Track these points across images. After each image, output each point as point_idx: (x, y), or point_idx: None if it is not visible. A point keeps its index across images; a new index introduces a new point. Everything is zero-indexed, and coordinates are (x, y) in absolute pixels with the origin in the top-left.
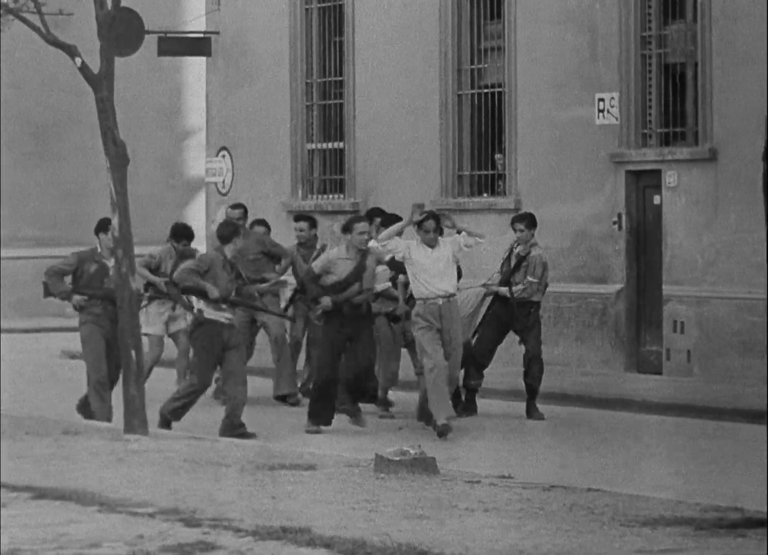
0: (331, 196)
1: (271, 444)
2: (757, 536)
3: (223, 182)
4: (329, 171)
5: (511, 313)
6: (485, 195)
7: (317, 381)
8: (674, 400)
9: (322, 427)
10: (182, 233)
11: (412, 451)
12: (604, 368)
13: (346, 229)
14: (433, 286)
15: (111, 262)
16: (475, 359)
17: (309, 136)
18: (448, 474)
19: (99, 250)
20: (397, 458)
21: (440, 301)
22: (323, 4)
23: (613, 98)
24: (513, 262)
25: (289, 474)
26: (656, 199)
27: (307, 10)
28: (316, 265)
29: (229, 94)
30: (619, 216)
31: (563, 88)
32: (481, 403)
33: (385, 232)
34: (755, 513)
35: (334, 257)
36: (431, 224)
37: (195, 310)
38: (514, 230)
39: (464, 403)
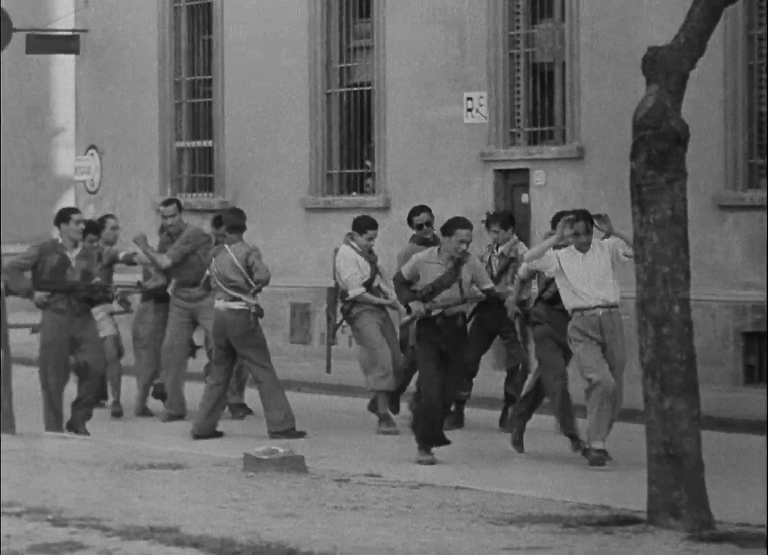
0: (199, 194)
1: (139, 443)
2: (624, 534)
3: (92, 181)
4: (198, 169)
5: (498, 319)
6: (354, 193)
7: (421, 401)
8: None
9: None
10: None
11: (280, 450)
12: None
13: (445, 231)
14: (591, 295)
15: (74, 253)
16: (466, 369)
17: (178, 134)
18: (317, 472)
19: (60, 240)
20: (266, 457)
21: (600, 312)
22: (192, 2)
23: (481, 97)
24: (497, 265)
25: (158, 473)
26: (524, 198)
27: (176, 8)
28: (405, 268)
29: (97, 92)
30: (488, 214)
31: (432, 87)
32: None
33: (535, 249)
34: (622, 510)
35: (423, 259)
36: (582, 226)
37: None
38: (489, 231)
39: (453, 415)
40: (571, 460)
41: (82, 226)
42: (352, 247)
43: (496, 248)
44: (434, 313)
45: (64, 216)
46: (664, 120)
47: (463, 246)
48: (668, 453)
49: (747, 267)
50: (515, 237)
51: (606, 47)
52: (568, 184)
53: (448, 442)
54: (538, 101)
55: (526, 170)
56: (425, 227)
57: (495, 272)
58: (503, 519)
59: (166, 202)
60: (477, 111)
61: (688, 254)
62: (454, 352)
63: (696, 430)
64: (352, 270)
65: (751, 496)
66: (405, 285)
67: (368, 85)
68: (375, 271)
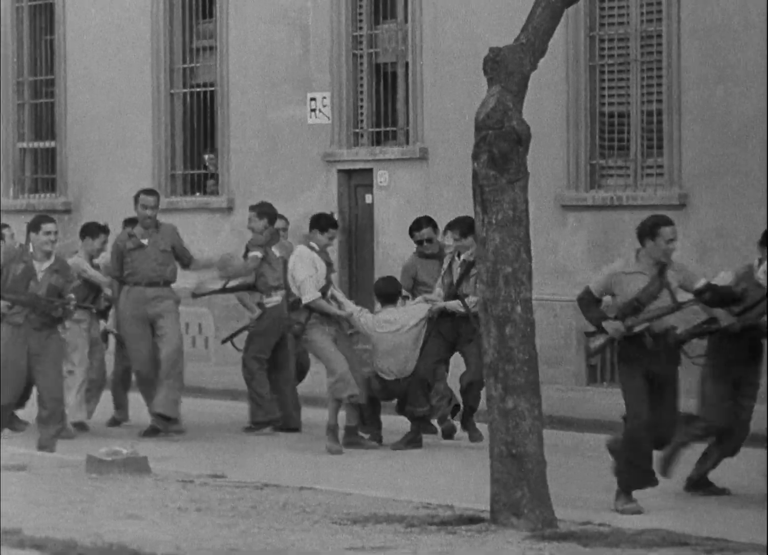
0: (42, 195)
1: None
2: (467, 533)
3: None
4: (41, 170)
5: (458, 331)
6: (198, 194)
7: (627, 435)
8: None
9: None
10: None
11: (124, 451)
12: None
13: (646, 233)
14: None
15: (43, 265)
16: (422, 383)
17: (20, 134)
18: (161, 473)
19: (30, 250)
20: (109, 458)
21: None
22: (34, 3)
23: (324, 98)
24: (457, 273)
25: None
26: (368, 198)
27: (18, 8)
28: (595, 284)
29: None
30: (331, 215)
31: (275, 88)
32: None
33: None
34: (465, 510)
35: (618, 271)
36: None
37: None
38: (451, 238)
39: (409, 434)
40: (418, 459)
41: (52, 237)
42: (311, 247)
43: (458, 256)
44: (637, 329)
45: (35, 225)
46: (505, 120)
47: (672, 246)
48: (510, 452)
49: (589, 267)
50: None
51: (448, 48)
52: (412, 184)
53: (656, 483)
54: (382, 102)
55: (370, 170)
56: (425, 244)
57: (455, 280)
58: (347, 519)
59: (148, 192)
60: (320, 111)
61: (530, 254)
62: (666, 375)
63: (538, 429)
64: (309, 272)
65: (594, 494)
66: (595, 303)
67: (212, 85)
68: (330, 276)
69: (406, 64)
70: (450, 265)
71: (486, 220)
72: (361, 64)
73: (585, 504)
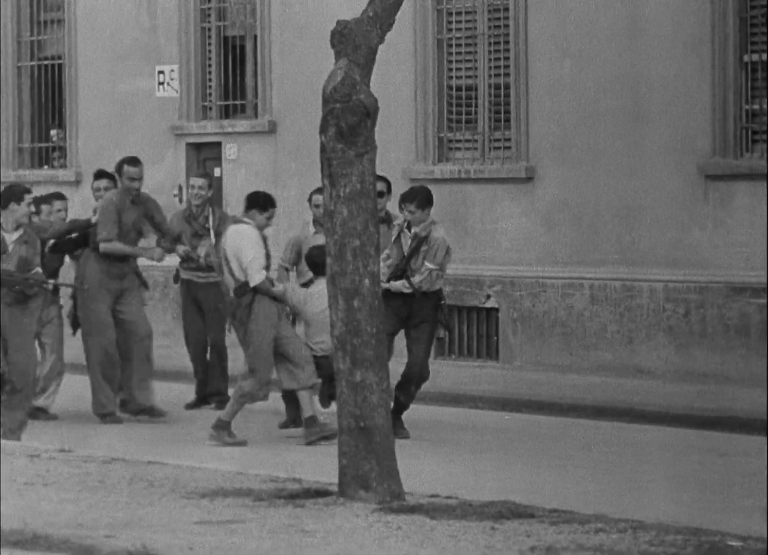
0: None
1: None
2: (315, 506)
3: None
4: None
5: (409, 309)
6: (46, 167)
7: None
8: None
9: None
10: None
11: None
12: None
13: None
14: None
15: (12, 236)
16: None
17: None
18: (8, 448)
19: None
20: None
21: None
22: None
23: (173, 71)
24: (407, 247)
25: None
26: (217, 172)
27: None
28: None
29: None
30: (180, 188)
31: (124, 60)
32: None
33: None
34: (314, 483)
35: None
36: None
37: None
38: (402, 210)
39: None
40: (265, 436)
41: (32, 208)
42: (252, 226)
43: (408, 228)
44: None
45: (16, 195)
46: (353, 93)
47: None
48: (359, 425)
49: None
50: (432, 218)
51: (296, 21)
52: (260, 157)
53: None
54: (230, 75)
55: (218, 144)
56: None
57: (405, 253)
58: (195, 493)
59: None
60: (168, 84)
61: (377, 228)
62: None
63: (386, 402)
64: (257, 250)
65: (441, 468)
66: None
67: (59, 58)
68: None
69: (255, 37)
70: (398, 239)
71: (333, 193)
72: (210, 37)
73: (432, 477)
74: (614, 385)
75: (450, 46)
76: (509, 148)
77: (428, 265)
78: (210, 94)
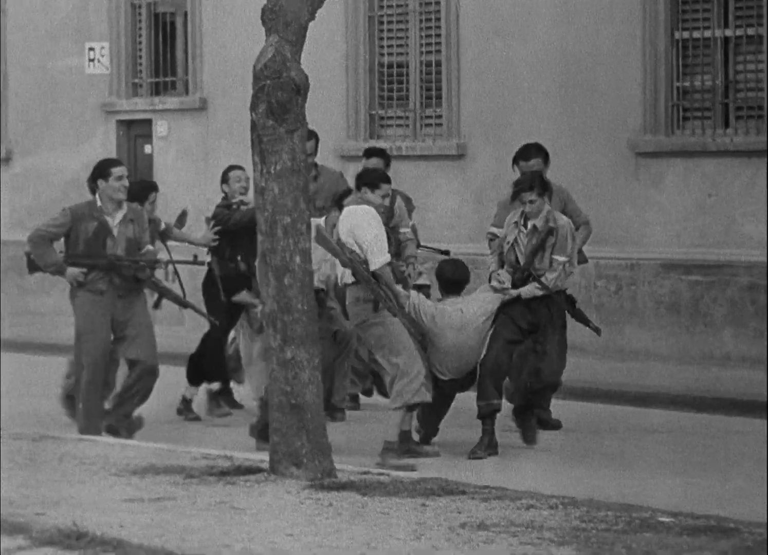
0: None
1: None
2: (246, 483)
3: None
4: None
5: (535, 313)
6: None
7: None
8: None
9: None
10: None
11: None
12: None
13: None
14: None
15: (115, 218)
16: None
17: None
18: None
19: (98, 203)
20: None
21: None
22: None
23: (103, 47)
24: (529, 244)
25: None
26: (147, 149)
27: None
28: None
29: None
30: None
31: (53, 38)
32: None
33: None
34: (244, 460)
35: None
36: None
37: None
38: (521, 201)
39: (484, 437)
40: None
41: (126, 183)
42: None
43: (523, 223)
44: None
45: (102, 170)
46: (283, 70)
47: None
48: (290, 402)
49: None
50: (548, 206)
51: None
52: (191, 135)
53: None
54: (161, 52)
55: (149, 121)
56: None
57: (525, 255)
58: (126, 470)
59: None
60: (99, 61)
61: (308, 204)
62: None
63: (317, 379)
64: (378, 230)
65: (372, 445)
66: None
67: None
68: None
69: (185, 14)
70: (516, 237)
71: (264, 170)
72: (140, 14)
73: (361, 454)
74: None
75: (381, 23)
76: (440, 125)
77: (559, 258)
78: (140, 71)
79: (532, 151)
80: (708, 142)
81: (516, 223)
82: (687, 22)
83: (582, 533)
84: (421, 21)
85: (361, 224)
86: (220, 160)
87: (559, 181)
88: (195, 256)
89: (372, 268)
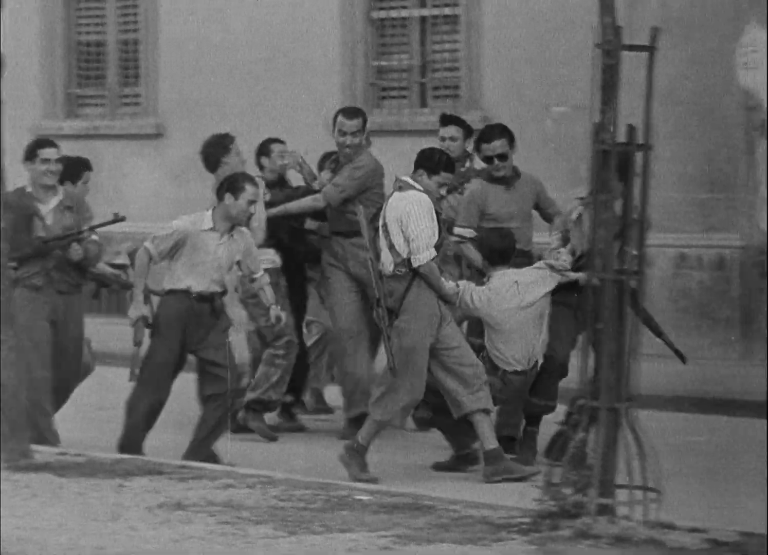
0: None
1: None
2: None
3: None
4: None
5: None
6: None
7: None
8: None
9: None
10: None
11: None
12: None
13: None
14: None
15: (48, 204)
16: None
17: None
18: None
19: (29, 188)
20: None
21: None
22: None
23: None
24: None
25: None
26: None
27: None
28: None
29: None
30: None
31: None
32: None
33: None
34: None
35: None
36: None
37: None
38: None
39: (524, 440)
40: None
41: (53, 167)
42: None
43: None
44: None
45: (29, 152)
46: None
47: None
48: None
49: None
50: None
51: None
52: None
53: None
54: None
55: None
56: (497, 162)
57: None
58: None
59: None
60: None
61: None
62: None
63: (15, 360)
64: (427, 222)
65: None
66: None
67: None
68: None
69: None
70: (579, 218)
71: None
72: None
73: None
74: None
75: (78, 1)
76: (139, 104)
77: (629, 249)
78: None
79: (495, 132)
80: (405, 121)
81: (581, 199)
82: (384, 2)
83: (280, 512)
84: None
85: (411, 213)
86: None
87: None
88: (116, 214)
89: (415, 264)
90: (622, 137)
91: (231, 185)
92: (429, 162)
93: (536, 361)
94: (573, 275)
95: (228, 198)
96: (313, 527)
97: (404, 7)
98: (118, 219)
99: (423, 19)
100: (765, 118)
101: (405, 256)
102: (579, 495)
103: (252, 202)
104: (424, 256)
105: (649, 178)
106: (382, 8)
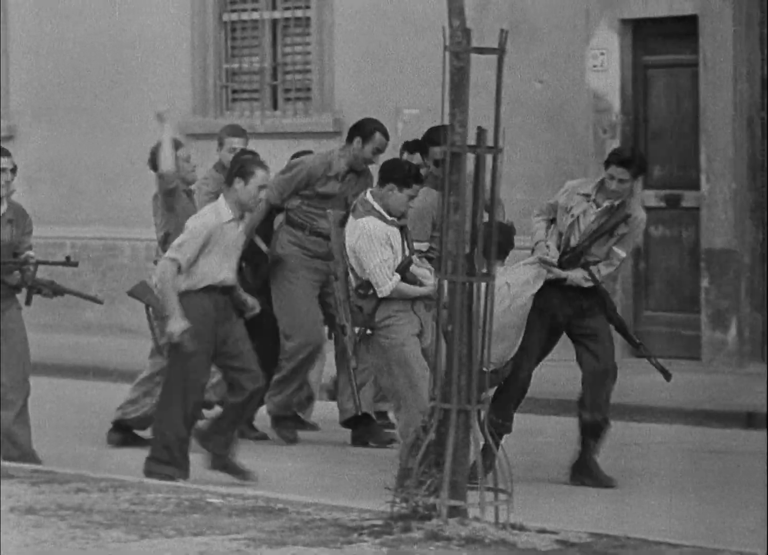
0: None
1: None
2: None
3: None
4: None
5: (572, 305)
6: None
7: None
8: None
9: None
10: None
11: None
12: None
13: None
14: None
15: None
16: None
17: None
18: None
19: None
20: None
21: None
22: None
23: None
24: (596, 224)
25: None
26: None
27: None
28: None
29: None
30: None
31: None
32: None
33: None
34: None
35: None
36: None
37: None
38: (611, 177)
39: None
40: None
41: (7, 177)
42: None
43: (595, 203)
44: None
45: None
46: None
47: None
48: None
49: None
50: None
51: None
52: None
53: None
54: None
55: None
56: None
57: (586, 236)
58: None
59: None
60: None
61: None
62: None
63: None
64: (383, 252)
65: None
66: None
67: None
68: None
69: None
70: (584, 213)
71: None
72: None
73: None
74: (98, 344)
75: None
76: None
77: (620, 252)
78: None
79: (443, 135)
80: (257, 123)
81: (586, 196)
82: (236, 4)
83: (131, 515)
84: None
85: (362, 249)
86: None
87: (111, 163)
88: (68, 257)
89: (380, 295)
90: (472, 139)
91: (240, 170)
92: (398, 174)
93: (508, 362)
94: (562, 273)
95: (238, 182)
96: (165, 531)
97: (255, 10)
98: (69, 263)
99: (274, 21)
100: (614, 120)
101: (365, 278)
102: (430, 497)
103: (262, 188)
104: (386, 288)
105: (499, 180)
106: (233, 11)
